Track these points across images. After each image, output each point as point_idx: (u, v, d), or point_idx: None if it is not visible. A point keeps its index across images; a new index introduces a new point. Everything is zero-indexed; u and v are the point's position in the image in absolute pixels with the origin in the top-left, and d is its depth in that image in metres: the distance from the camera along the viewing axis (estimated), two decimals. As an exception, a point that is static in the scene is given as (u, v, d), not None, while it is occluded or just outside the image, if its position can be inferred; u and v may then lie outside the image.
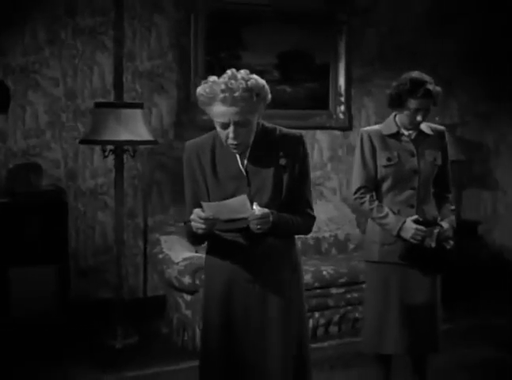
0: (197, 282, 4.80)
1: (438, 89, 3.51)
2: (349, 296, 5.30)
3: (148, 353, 4.89)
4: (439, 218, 3.61)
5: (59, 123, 5.33)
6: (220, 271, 2.78)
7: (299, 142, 2.76)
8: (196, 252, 5.25)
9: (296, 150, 2.74)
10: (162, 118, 5.59)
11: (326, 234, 5.91)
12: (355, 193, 3.64)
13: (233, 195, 2.62)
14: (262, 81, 2.61)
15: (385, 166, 3.55)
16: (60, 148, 5.34)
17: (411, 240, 3.48)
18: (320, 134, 6.20)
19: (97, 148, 5.33)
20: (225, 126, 2.59)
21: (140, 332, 5.14)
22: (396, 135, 3.59)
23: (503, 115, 6.95)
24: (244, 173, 2.72)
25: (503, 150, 7.03)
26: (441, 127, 3.72)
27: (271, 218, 2.59)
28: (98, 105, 4.92)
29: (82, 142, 4.91)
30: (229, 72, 2.58)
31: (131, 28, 5.46)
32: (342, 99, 6.20)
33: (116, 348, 4.94)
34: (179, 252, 5.09)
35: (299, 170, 2.75)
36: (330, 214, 6.01)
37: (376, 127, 3.68)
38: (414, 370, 3.80)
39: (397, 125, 3.59)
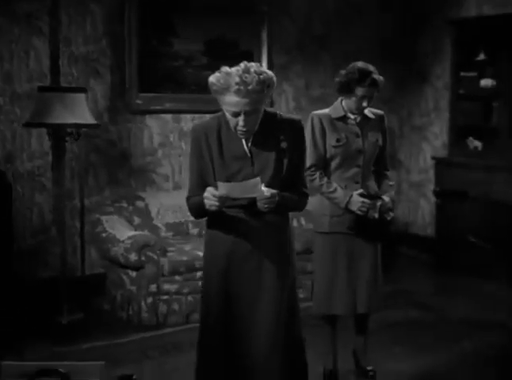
0: (143, 258, 5.07)
1: (382, 78, 3.94)
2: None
3: (96, 327, 5.11)
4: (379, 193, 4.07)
5: (-4, 107, 5.41)
6: (222, 243, 3.00)
7: (298, 126, 3.03)
8: (135, 230, 5.52)
9: (295, 134, 3.01)
10: (97, 102, 5.76)
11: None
12: (306, 171, 4.01)
13: (237, 174, 2.89)
14: (271, 74, 2.85)
15: (334, 146, 3.95)
16: (-3, 131, 5.43)
17: (358, 211, 3.90)
18: (244, 118, 6.55)
19: (35, 131, 5.46)
20: (236, 114, 2.81)
21: (83, 308, 5.34)
22: (343, 119, 3.99)
23: (405, 99, 7.57)
24: (248, 154, 2.95)
25: (406, 133, 7.64)
26: (381, 112, 4.17)
27: (277, 198, 2.85)
28: (42, 89, 5.06)
29: (28, 124, 5.03)
30: (242, 65, 2.79)
31: (67, 14, 5.59)
32: (265, 85, 6.56)
33: (64, 324, 5.11)
34: (122, 231, 5.32)
35: (297, 152, 3.02)
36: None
37: (326, 110, 4.07)
38: (357, 329, 4.25)
39: (344, 109, 4.00)
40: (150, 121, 6.04)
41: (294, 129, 3.01)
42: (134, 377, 2.66)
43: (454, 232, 6.65)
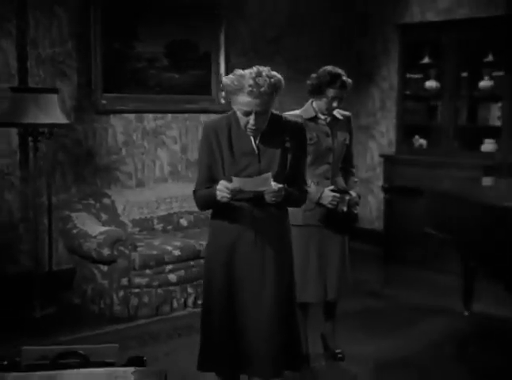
0: (115, 253, 5.27)
1: (350, 81, 4.26)
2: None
3: (70, 321, 5.28)
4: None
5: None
6: (227, 233, 3.24)
7: (301, 129, 3.32)
8: (103, 225, 5.71)
9: (298, 136, 3.28)
10: (65, 102, 5.90)
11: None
12: None
13: (245, 169, 3.14)
14: (280, 77, 3.09)
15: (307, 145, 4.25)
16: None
17: (328, 205, 4.21)
18: (204, 118, 6.77)
19: (3, 130, 5.56)
20: (247, 113, 3.05)
21: (54, 303, 5.49)
22: (314, 119, 4.29)
23: (352, 99, 7.91)
24: (256, 151, 3.20)
25: (354, 132, 7.99)
26: (348, 113, 4.50)
27: (283, 193, 3.12)
28: (14, 90, 5.21)
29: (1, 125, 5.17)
30: (255, 69, 3.03)
31: (34, 17, 5.71)
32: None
33: (37, 318, 5.26)
34: (93, 227, 5.50)
35: (299, 152, 3.29)
36: (215, 190, 6.64)
37: (297, 112, 4.35)
38: (326, 315, 4.57)
39: (315, 110, 4.29)
40: (115, 121, 6.22)
41: (297, 131, 3.29)
42: (144, 358, 2.86)
43: (401, 226, 7.06)
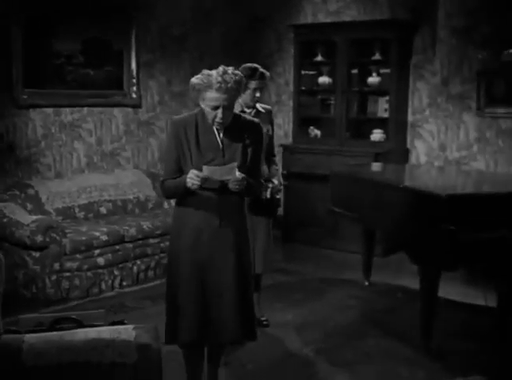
0: (47, 239, 5.59)
1: (267, 72, 4.84)
2: (162, 245, 6.42)
3: (5, 305, 5.53)
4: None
5: None
6: (193, 218, 3.54)
7: (259, 128, 3.65)
8: (30, 213, 6.00)
9: (256, 134, 3.63)
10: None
11: (131, 196, 6.94)
12: None
13: (211, 162, 3.44)
14: (242, 75, 3.47)
15: None
16: None
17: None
18: (117, 111, 7.17)
19: None
20: (216, 108, 3.37)
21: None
22: (241, 113, 4.82)
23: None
24: (221, 145, 3.51)
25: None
26: (269, 107, 5.07)
27: (245, 182, 3.45)
28: None
29: None
30: (221, 68, 3.37)
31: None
32: (134, 81, 7.24)
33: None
34: (22, 216, 5.79)
35: (257, 147, 3.63)
36: (130, 179, 7.05)
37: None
38: (254, 287, 5.12)
39: (241, 105, 4.83)
40: (34, 115, 6.49)
41: (255, 129, 3.64)
42: (125, 321, 3.30)
43: (300, 209, 7.73)
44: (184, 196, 3.57)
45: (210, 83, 3.34)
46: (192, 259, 3.56)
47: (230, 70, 3.40)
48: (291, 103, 8.11)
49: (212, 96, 3.37)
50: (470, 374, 4.30)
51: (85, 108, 6.91)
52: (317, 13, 8.02)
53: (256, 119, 3.80)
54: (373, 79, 7.45)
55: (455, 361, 4.55)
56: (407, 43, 7.35)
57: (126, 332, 2.94)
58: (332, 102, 7.77)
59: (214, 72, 3.37)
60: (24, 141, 6.44)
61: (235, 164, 3.44)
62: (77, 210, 6.48)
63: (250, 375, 4.29)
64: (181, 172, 3.55)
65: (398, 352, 4.70)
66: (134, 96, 7.27)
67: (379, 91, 7.45)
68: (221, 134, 3.53)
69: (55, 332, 2.97)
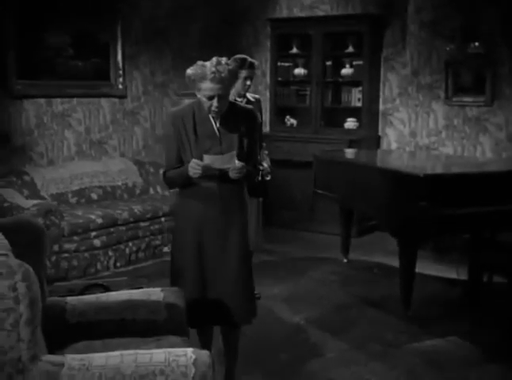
0: (47, 222, 5.90)
1: (256, 62, 5.25)
2: (152, 228, 6.79)
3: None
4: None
5: None
6: (194, 207, 3.66)
7: (254, 115, 3.78)
8: (27, 198, 6.30)
9: (251, 121, 3.74)
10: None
11: (119, 183, 7.28)
12: None
13: (209, 150, 3.54)
14: (235, 65, 3.62)
15: None
16: None
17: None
18: (104, 102, 7.49)
19: None
20: (211, 98, 3.46)
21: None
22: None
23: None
24: (217, 134, 3.61)
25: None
26: (258, 96, 5.48)
27: (244, 170, 3.57)
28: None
29: None
30: (214, 59, 3.46)
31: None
32: (120, 72, 7.56)
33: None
34: (22, 201, 6.09)
35: (253, 134, 3.73)
36: (119, 166, 7.39)
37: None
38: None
39: (233, 94, 5.21)
40: (27, 105, 6.78)
41: (250, 117, 3.76)
42: (144, 287, 3.67)
43: (278, 194, 8.14)
44: (186, 185, 3.69)
45: (204, 74, 3.43)
46: (195, 244, 3.68)
47: (223, 60, 3.49)
48: (268, 93, 8.50)
49: (206, 87, 3.46)
50: (447, 336, 4.80)
51: (75, 99, 7.21)
52: (292, 8, 8.43)
53: (251, 107, 4.02)
54: (347, 71, 7.90)
55: (433, 325, 5.03)
56: (379, 36, 7.80)
57: (155, 293, 3.31)
58: (307, 92, 8.19)
59: (208, 63, 3.47)
60: (18, 130, 6.73)
61: (234, 152, 3.55)
62: (70, 195, 6.80)
63: (252, 340, 4.62)
64: (181, 162, 3.65)
65: (380, 319, 5.17)
66: (120, 87, 7.59)
67: (352, 82, 7.90)
68: (217, 123, 3.62)
69: (91, 295, 3.33)
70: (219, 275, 3.69)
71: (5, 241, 2.71)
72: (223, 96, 3.51)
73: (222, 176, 3.58)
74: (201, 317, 3.72)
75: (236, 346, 3.98)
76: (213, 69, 3.43)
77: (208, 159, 3.51)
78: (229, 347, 3.97)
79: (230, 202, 3.70)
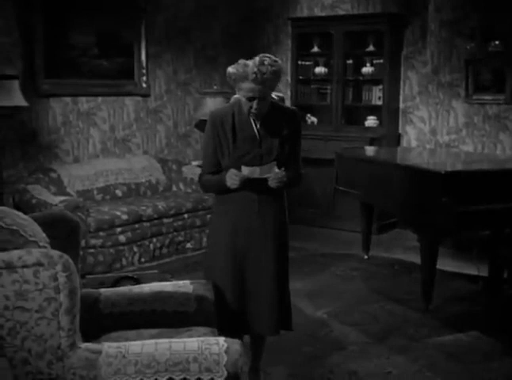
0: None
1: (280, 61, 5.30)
2: (175, 224, 6.90)
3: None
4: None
5: None
6: (231, 213, 3.55)
7: (298, 117, 3.60)
8: (54, 195, 6.43)
9: (295, 123, 3.57)
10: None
11: (143, 180, 7.41)
12: None
13: (247, 154, 3.42)
14: (280, 65, 3.37)
15: None
16: None
17: None
18: (128, 100, 7.62)
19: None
20: (251, 99, 3.33)
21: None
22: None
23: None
24: (258, 136, 3.46)
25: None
26: (281, 94, 5.59)
27: (285, 179, 3.43)
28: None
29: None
30: (257, 58, 3.29)
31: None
32: (144, 71, 7.69)
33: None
34: (49, 197, 6.22)
35: (296, 138, 3.56)
36: (142, 164, 7.52)
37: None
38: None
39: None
40: (54, 103, 6.92)
41: (294, 119, 3.59)
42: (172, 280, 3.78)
43: (299, 191, 8.20)
44: (223, 193, 3.58)
45: (246, 73, 3.28)
46: (231, 250, 3.59)
47: (267, 60, 3.29)
48: (288, 92, 8.59)
49: (247, 87, 3.32)
50: (467, 330, 4.88)
51: (100, 98, 7.35)
52: (313, 7, 8.51)
53: (294, 108, 3.88)
54: (367, 69, 7.97)
55: (453, 320, 5.11)
56: (399, 35, 7.87)
57: (185, 286, 3.42)
58: (328, 91, 8.27)
59: (251, 62, 3.31)
60: (45, 128, 6.87)
61: (274, 163, 3.43)
62: (95, 192, 6.93)
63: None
64: (219, 165, 3.54)
65: (401, 314, 5.24)
66: (144, 85, 7.72)
67: (372, 80, 7.97)
68: (258, 125, 3.49)
69: (124, 287, 3.44)
70: (255, 283, 3.61)
71: (44, 235, 2.83)
72: (263, 98, 3.37)
73: (261, 183, 3.46)
74: (235, 326, 3.61)
75: (263, 346, 3.96)
76: (255, 69, 3.27)
77: (246, 170, 3.40)
78: (256, 345, 3.93)
79: (268, 208, 3.57)
